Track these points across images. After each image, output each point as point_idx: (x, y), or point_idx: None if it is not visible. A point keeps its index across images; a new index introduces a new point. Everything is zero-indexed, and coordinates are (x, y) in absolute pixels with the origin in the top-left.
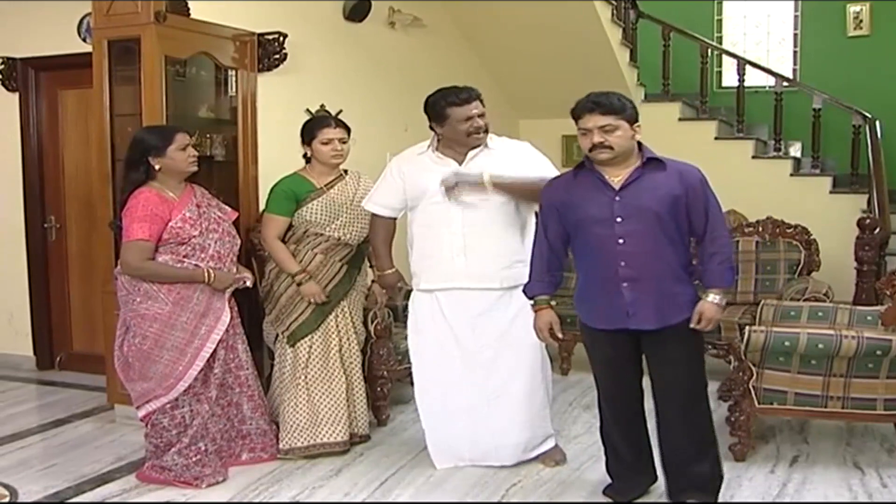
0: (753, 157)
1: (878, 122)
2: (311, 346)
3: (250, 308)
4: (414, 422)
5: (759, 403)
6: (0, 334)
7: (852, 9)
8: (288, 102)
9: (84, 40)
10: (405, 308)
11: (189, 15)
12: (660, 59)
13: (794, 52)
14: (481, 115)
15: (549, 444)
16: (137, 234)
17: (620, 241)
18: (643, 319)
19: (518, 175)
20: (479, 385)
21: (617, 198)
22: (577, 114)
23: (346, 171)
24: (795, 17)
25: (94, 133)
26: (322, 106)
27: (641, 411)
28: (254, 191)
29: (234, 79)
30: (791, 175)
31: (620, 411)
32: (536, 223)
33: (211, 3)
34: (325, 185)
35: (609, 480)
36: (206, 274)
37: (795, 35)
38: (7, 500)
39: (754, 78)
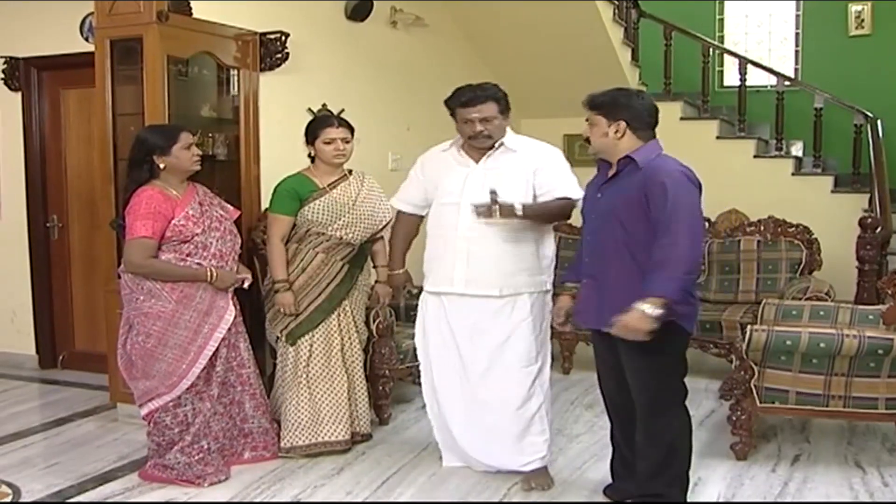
0: (755, 157)
1: (879, 122)
2: (312, 345)
3: (252, 306)
4: (416, 420)
5: (760, 402)
6: (3, 333)
7: (854, 8)
8: (290, 102)
9: (86, 40)
10: (407, 307)
11: (191, 14)
12: (661, 59)
13: (796, 52)
14: (484, 120)
15: (536, 465)
16: (140, 232)
17: (588, 237)
18: (586, 318)
19: (542, 196)
20: (470, 395)
21: (599, 194)
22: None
23: (350, 172)
24: (797, 16)
25: (97, 132)
26: (324, 105)
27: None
28: (256, 190)
29: (236, 78)
30: (792, 174)
31: (614, 410)
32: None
33: (213, 3)
34: (329, 185)
35: (611, 480)
36: (208, 273)
37: (797, 34)
38: (10, 498)
39: (756, 77)
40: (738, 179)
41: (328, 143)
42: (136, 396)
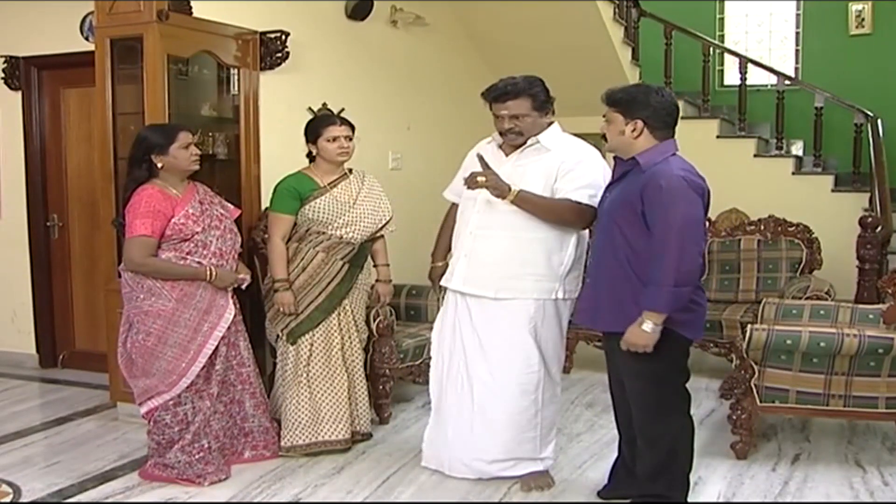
0: (755, 156)
1: (879, 121)
2: (312, 344)
3: (252, 305)
4: (416, 420)
5: (760, 402)
6: (3, 332)
7: (854, 7)
8: (290, 101)
9: (87, 39)
10: (407, 307)
11: (191, 14)
12: (662, 58)
13: (796, 51)
14: (513, 117)
15: (534, 466)
16: (140, 231)
17: (594, 236)
18: (583, 316)
19: (550, 192)
20: (465, 396)
21: (607, 194)
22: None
23: (350, 171)
24: (797, 15)
25: (97, 131)
26: (324, 104)
27: None
28: (256, 189)
29: (236, 77)
30: (793, 173)
31: (616, 409)
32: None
33: (213, 2)
34: (329, 184)
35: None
36: (208, 271)
37: (797, 33)
38: (10, 497)
39: (756, 76)
40: (738, 179)
41: (332, 141)
42: (136, 395)
